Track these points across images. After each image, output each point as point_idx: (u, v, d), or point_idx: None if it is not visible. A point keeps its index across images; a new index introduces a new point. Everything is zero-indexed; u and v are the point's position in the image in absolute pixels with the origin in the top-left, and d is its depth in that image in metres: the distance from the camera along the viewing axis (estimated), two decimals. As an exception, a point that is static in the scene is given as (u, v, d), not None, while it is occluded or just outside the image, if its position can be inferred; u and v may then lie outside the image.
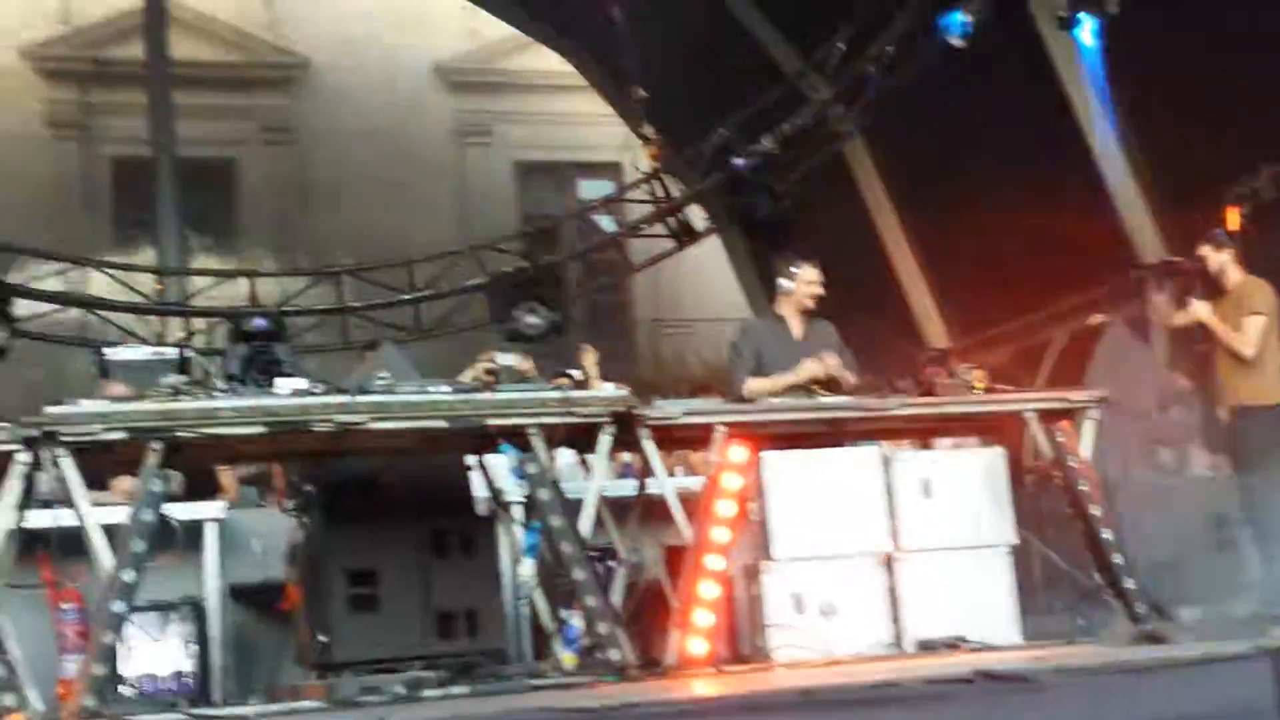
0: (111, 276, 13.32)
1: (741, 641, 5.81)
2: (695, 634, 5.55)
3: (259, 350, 5.70)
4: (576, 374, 6.38)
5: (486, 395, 5.68)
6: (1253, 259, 7.53)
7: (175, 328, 13.21)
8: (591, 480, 5.91)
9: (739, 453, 5.86)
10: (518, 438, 5.58)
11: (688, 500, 5.92)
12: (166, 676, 5.91)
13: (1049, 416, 6.31)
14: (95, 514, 5.18)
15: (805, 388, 6.48)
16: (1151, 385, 8.22)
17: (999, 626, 5.89)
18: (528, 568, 5.65)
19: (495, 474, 6.17)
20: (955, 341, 12.77)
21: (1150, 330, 9.36)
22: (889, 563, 5.91)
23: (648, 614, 5.82)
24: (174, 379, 5.48)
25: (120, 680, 5.39)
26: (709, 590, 5.62)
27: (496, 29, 18.79)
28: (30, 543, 5.23)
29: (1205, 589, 6.69)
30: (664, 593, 5.88)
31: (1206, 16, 9.88)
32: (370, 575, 5.55)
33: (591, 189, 19.09)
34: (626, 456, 6.84)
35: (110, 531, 5.12)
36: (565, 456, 6.66)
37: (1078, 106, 11.57)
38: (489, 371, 6.01)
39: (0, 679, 4.88)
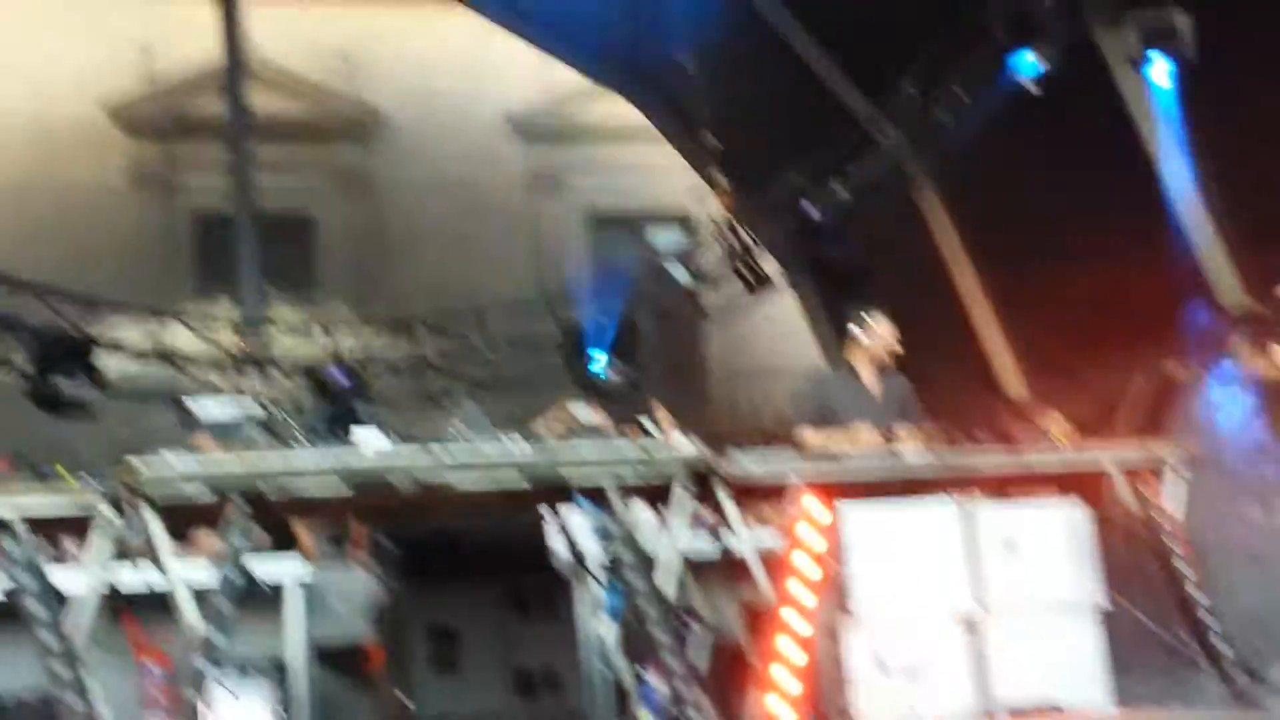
0: (192, 330, 13.52)
1: (823, 702, 5.74)
2: (776, 695, 5.49)
3: (338, 403, 5.75)
4: (650, 426, 6.37)
5: (564, 451, 5.68)
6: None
7: (255, 380, 13.37)
8: (670, 537, 5.88)
9: (818, 508, 5.81)
10: (596, 494, 5.58)
11: (767, 557, 5.87)
12: (250, 737, 5.94)
13: (1133, 470, 6.21)
14: (180, 571, 5.23)
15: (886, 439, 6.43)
16: (1237, 436, 8.06)
17: (1089, 689, 5.78)
18: (607, 627, 5.63)
19: (574, 531, 6.16)
20: (1033, 391, 12.62)
21: (1235, 380, 9.19)
22: (973, 623, 5.82)
23: (728, 674, 5.77)
24: (256, 433, 5.54)
25: (205, 740, 5.42)
26: (790, 650, 5.57)
27: (568, 78, 18.94)
28: (117, 602, 5.28)
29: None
30: (744, 653, 5.83)
31: (1284, 55, 9.77)
32: (451, 634, 5.55)
33: (663, 238, 19.14)
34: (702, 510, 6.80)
35: (194, 588, 5.16)
36: (644, 513, 6.63)
37: (1152, 148, 11.45)
38: (566, 425, 6.02)
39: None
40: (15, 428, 10.77)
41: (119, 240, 17.75)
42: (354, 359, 12.63)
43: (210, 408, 6.64)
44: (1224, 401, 8.57)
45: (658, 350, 15.84)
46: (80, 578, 5.19)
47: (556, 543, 6.17)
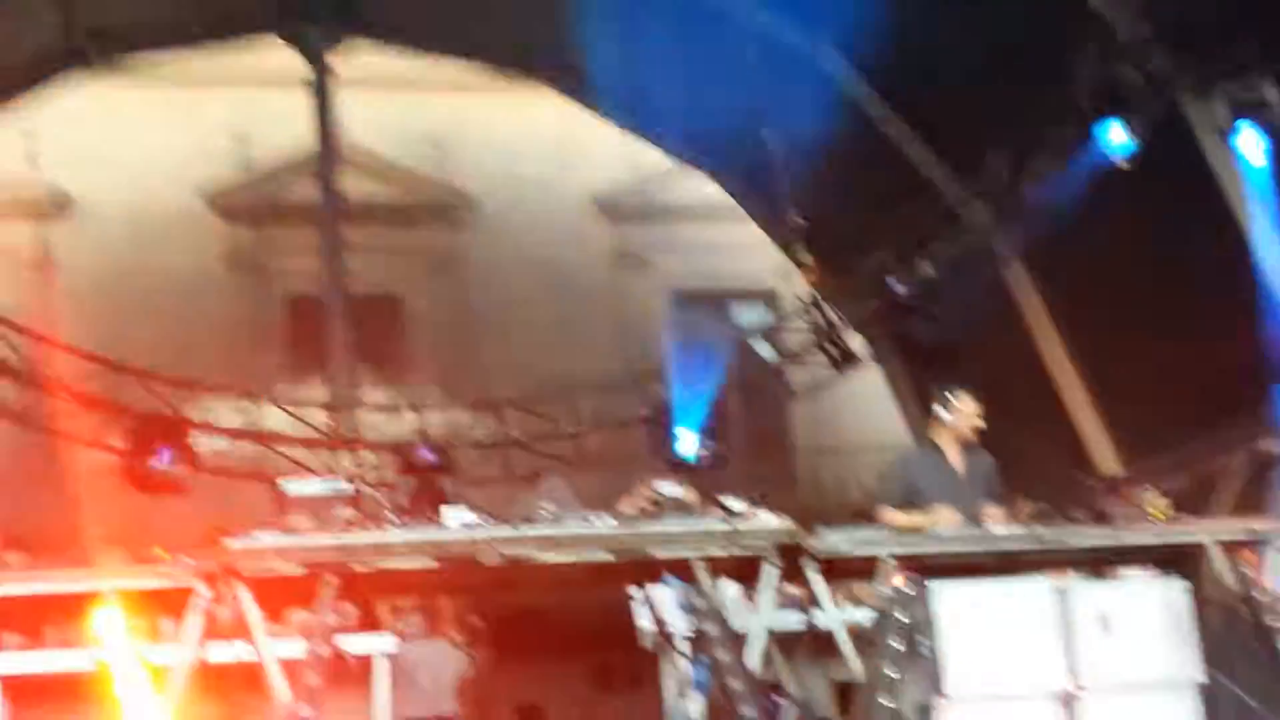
0: (285, 411, 13.72)
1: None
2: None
3: (426, 482, 5.81)
4: (735, 504, 6.34)
5: (651, 527, 5.68)
6: None
7: (346, 460, 13.51)
8: (758, 613, 5.84)
9: (908, 585, 5.74)
10: (682, 570, 5.56)
11: (855, 633, 5.80)
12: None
13: (1232, 545, 6.07)
14: (272, 648, 5.28)
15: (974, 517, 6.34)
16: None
17: (1188, 767, 5.63)
18: (695, 703, 5.59)
19: (660, 606, 6.14)
20: (1125, 467, 12.41)
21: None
22: (1069, 702, 5.70)
23: (817, 751, 5.70)
24: (347, 512, 5.60)
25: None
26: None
27: (654, 158, 19.10)
28: (210, 676, 5.34)
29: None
30: (833, 729, 5.76)
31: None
32: (537, 710, 5.54)
33: (749, 315, 19.15)
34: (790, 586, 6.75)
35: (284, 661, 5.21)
36: (730, 589, 6.59)
37: (1243, 220, 11.30)
38: (653, 502, 6.02)
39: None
40: (112, 507, 10.98)
41: (214, 323, 18.06)
42: (442, 438, 12.74)
43: (302, 487, 6.72)
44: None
45: (744, 427, 15.81)
46: (175, 652, 5.25)
47: (643, 618, 6.15)
